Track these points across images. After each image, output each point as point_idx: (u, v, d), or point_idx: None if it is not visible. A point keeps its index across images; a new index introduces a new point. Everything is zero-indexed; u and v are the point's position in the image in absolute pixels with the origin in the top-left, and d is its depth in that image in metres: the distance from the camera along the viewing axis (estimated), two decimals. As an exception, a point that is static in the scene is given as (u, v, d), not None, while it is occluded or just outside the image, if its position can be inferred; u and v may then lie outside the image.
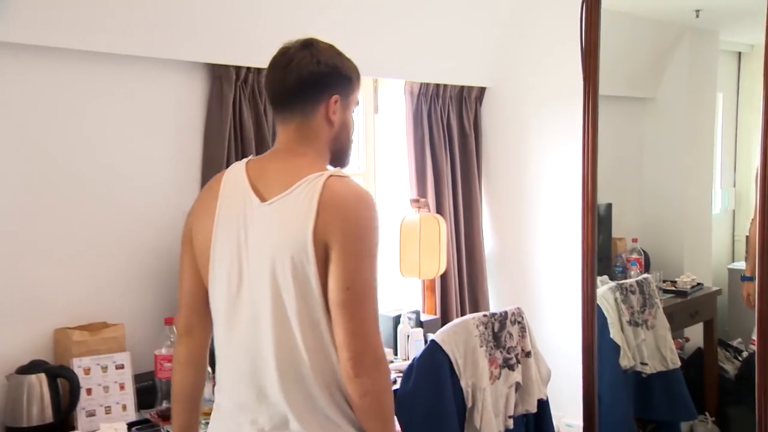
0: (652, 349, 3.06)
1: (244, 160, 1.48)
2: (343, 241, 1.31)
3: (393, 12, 2.85)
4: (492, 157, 3.51)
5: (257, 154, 2.34)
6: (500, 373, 2.24)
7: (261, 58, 2.34)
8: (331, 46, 1.50)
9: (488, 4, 3.23)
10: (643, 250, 3.24)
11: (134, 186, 2.22)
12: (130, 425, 1.89)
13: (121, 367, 1.99)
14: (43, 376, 1.83)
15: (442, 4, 3.05)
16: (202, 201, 1.52)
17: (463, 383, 2.09)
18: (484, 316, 2.23)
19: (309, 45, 1.44)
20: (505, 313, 2.36)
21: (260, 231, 1.33)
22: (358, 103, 1.57)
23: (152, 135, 2.25)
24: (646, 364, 3.03)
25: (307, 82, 1.41)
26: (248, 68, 2.34)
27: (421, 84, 3.02)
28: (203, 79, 2.32)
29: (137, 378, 2.03)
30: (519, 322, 2.38)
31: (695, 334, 3.32)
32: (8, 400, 1.84)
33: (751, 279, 3.02)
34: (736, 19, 3.20)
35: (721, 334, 3.30)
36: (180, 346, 1.54)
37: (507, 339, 2.35)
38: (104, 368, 1.96)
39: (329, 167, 1.47)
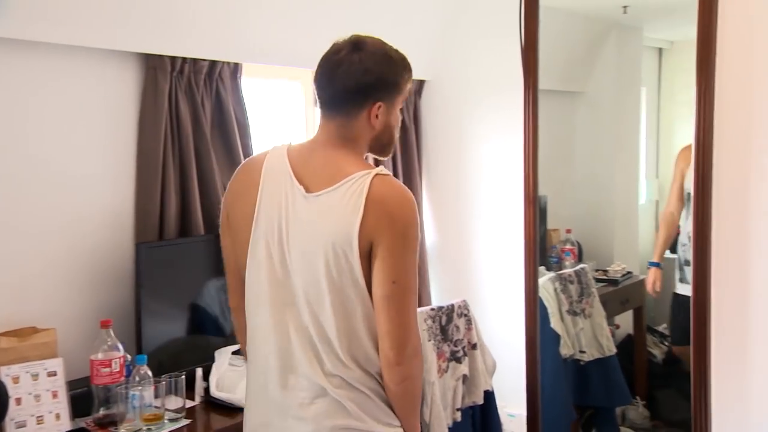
0: (590, 337, 3.13)
1: (283, 145, 1.55)
2: (389, 239, 1.42)
3: (331, 4, 2.83)
4: (432, 150, 3.52)
5: (195, 148, 2.32)
6: (448, 366, 2.25)
7: (197, 48, 2.30)
8: (381, 47, 1.54)
9: None
10: (577, 241, 3.32)
11: (65, 182, 2.13)
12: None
13: (54, 374, 1.91)
14: (-32, 385, 1.78)
15: None
16: (241, 183, 1.58)
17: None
18: (432, 309, 2.24)
19: (359, 47, 1.49)
20: (452, 306, 2.38)
21: (306, 220, 1.41)
22: (408, 95, 1.67)
23: (84, 129, 2.16)
24: (584, 352, 3.09)
25: (353, 90, 1.48)
26: (184, 58, 2.27)
27: None
28: (137, 69, 2.25)
29: (71, 385, 1.95)
30: (465, 315, 2.41)
31: (624, 321, 3.42)
32: (-70, 413, 1.76)
33: (658, 265, 3.19)
34: (658, 15, 3.30)
35: (648, 320, 3.41)
36: (238, 319, 1.63)
37: (454, 332, 2.36)
38: (35, 376, 1.88)
39: (371, 161, 1.64)
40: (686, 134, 3.08)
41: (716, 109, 2.47)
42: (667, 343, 3.37)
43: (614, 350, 3.18)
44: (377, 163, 1.77)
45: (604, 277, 3.32)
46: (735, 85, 2.50)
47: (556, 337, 2.99)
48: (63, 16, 2.01)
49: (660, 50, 3.42)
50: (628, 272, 3.39)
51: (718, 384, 2.54)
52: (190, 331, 2.32)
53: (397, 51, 1.56)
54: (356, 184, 1.42)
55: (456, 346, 2.38)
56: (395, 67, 1.54)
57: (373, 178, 1.44)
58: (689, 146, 2.97)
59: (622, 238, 3.56)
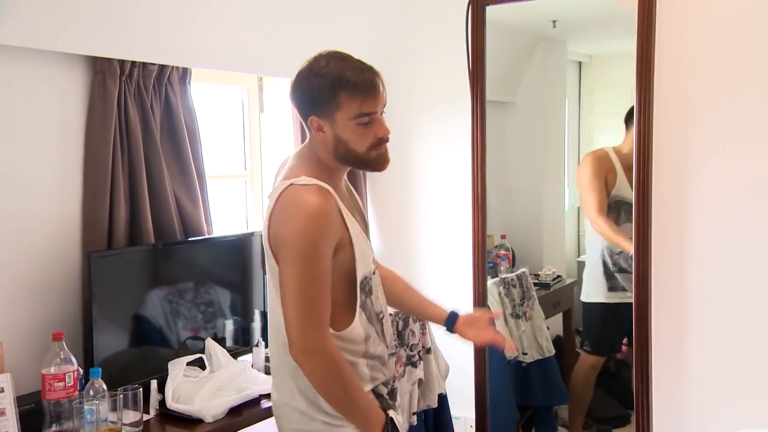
0: (531, 339, 3.23)
1: None
2: (282, 244, 1.58)
3: (278, 11, 2.82)
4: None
5: (145, 154, 2.30)
6: (404, 371, 2.30)
7: (146, 52, 2.28)
8: (311, 64, 1.62)
9: (374, 5, 3.24)
10: (510, 246, 3.41)
11: (9, 188, 2.05)
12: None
13: (1, 390, 1.85)
14: None
15: (328, 3, 3.03)
16: None
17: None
18: (389, 315, 2.23)
19: (306, 63, 1.64)
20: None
21: None
22: (363, 115, 1.59)
23: (28, 133, 2.09)
24: (526, 354, 3.18)
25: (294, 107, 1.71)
26: (133, 62, 2.23)
27: None
28: (84, 73, 2.19)
29: (20, 400, 1.90)
30: (420, 320, 2.43)
31: (553, 324, 3.52)
32: None
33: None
34: (582, 30, 3.43)
35: (574, 322, 3.54)
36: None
37: (410, 337, 2.41)
38: None
39: (309, 178, 1.62)
40: (605, 144, 3.29)
41: (655, 120, 2.60)
42: (587, 349, 3.46)
43: (553, 351, 3.30)
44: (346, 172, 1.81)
45: (537, 281, 3.43)
46: (671, 96, 2.62)
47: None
48: (4, 15, 1.92)
49: (579, 63, 3.52)
50: (558, 276, 3.51)
51: (657, 380, 2.67)
52: (139, 343, 2.29)
53: (330, 67, 1.59)
54: (275, 192, 1.59)
55: (412, 351, 2.42)
56: (318, 84, 1.58)
57: (287, 187, 1.57)
58: (603, 153, 3.18)
59: (551, 243, 3.67)
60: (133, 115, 2.24)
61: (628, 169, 2.94)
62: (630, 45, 2.71)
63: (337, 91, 1.57)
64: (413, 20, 3.30)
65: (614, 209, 3.15)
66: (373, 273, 1.80)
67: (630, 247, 2.85)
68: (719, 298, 2.65)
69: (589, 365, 3.38)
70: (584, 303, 3.38)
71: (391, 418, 1.74)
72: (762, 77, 2.53)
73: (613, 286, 3.16)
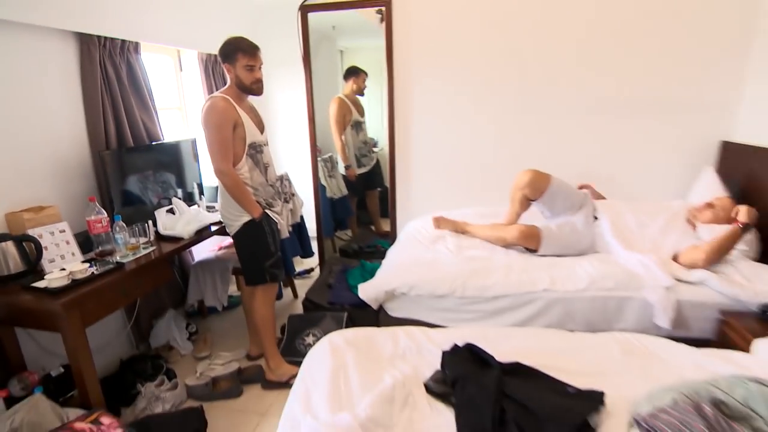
0: (335, 187, 3.41)
1: None
2: (204, 124, 1.86)
3: (194, 11, 2.70)
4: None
5: (121, 94, 2.25)
6: (284, 205, 2.36)
7: (114, 29, 2.20)
8: (226, 40, 1.88)
9: (243, 11, 3.12)
10: (320, 147, 3.39)
11: (43, 120, 1.96)
12: (83, 262, 1.85)
13: (63, 231, 1.91)
14: (10, 242, 1.73)
15: (223, 6, 2.90)
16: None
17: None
18: (277, 179, 2.28)
19: (226, 38, 1.90)
20: (282, 176, 2.53)
21: None
22: (249, 66, 1.87)
23: (47, 84, 1.96)
24: (335, 194, 3.40)
25: None
26: (105, 37, 2.13)
27: (208, 54, 2.87)
28: (76, 44, 2.06)
29: (77, 236, 1.95)
30: (288, 179, 2.60)
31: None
32: (-13, 263, 1.64)
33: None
34: (345, 32, 3.39)
35: None
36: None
37: (285, 187, 2.54)
38: (52, 233, 1.87)
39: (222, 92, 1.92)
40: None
41: (394, 81, 2.87)
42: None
43: (345, 192, 3.44)
44: (243, 90, 1.95)
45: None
46: (401, 67, 2.86)
47: (324, 189, 3.32)
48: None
49: (342, 51, 3.54)
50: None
51: (399, 197, 3.13)
52: (136, 203, 2.27)
53: (230, 40, 1.87)
54: (206, 101, 1.87)
55: (286, 195, 2.54)
56: (229, 48, 1.87)
57: (209, 98, 1.85)
58: (341, 98, 3.24)
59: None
60: (110, 71, 2.17)
61: (353, 104, 3.23)
62: (366, 42, 2.92)
63: (236, 51, 1.85)
64: (270, 19, 3.22)
65: (355, 127, 3.33)
66: (265, 144, 2.00)
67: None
68: (424, 153, 3.03)
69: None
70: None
71: (267, 213, 2.01)
72: (444, 62, 2.82)
73: (361, 164, 3.37)
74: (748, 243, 2.07)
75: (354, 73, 3.29)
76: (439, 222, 2.54)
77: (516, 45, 2.73)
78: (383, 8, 2.79)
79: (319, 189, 3.19)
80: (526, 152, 2.87)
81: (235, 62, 1.86)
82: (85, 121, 2.14)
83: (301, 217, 2.81)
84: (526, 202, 2.28)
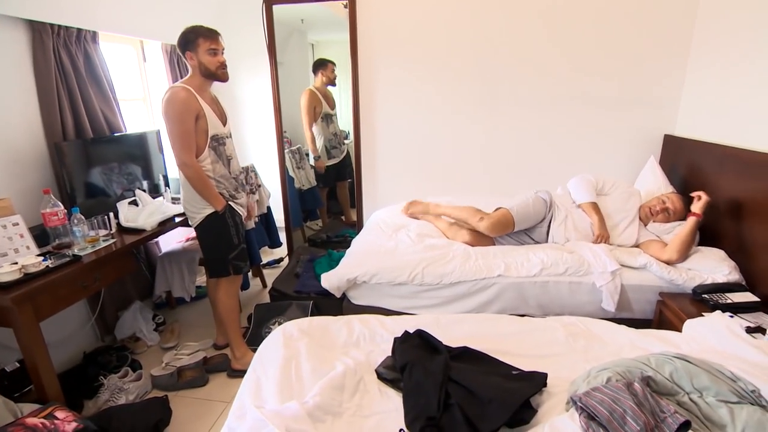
0: (304, 178, 3.36)
1: None
2: (164, 116, 1.76)
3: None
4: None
5: (78, 84, 2.16)
6: (250, 197, 2.38)
7: (66, 18, 2.09)
8: (185, 29, 1.80)
9: (208, 5, 3.01)
10: (289, 136, 3.32)
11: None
12: (38, 255, 1.75)
13: (17, 224, 1.79)
14: (-41, 237, 1.59)
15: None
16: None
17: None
18: (242, 171, 2.24)
19: (185, 28, 1.81)
20: (247, 167, 2.55)
21: None
22: (211, 50, 1.79)
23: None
24: (303, 185, 3.35)
25: None
26: (59, 25, 2.01)
27: (172, 45, 2.77)
28: (26, 32, 1.93)
29: (33, 229, 1.85)
30: (254, 171, 2.61)
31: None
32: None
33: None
34: (315, 26, 3.36)
35: None
36: None
37: (251, 179, 2.57)
38: (4, 227, 1.75)
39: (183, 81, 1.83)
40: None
41: (359, 72, 2.83)
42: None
43: (315, 183, 3.40)
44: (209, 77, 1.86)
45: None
46: (366, 61, 2.83)
47: (292, 180, 3.26)
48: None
49: (312, 45, 3.53)
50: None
51: (364, 188, 3.08)
52: (96, 195, 2.19)
53: (188, 28, 1.78)
54: (165, 92, 1.77)
55: (252, 186, 2.58)
56: (189, 35, 1.78)
57: (168, 88, 1.76)
58: (312, 90, 3.19)
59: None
60: (65, 60, 2.06)
61: (324, 97, 3.18)
62: (336, 36, 2.85)
63: (197, 37, 1.77)
64: (235, 10, 3.12)
65: (325, 119, 3.28)
66: (227, 137, 1.92)
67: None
68: (389, 145, 3.01)
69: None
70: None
71: (230, 205, 1.93)
72: (408, 54, 2.80)
73: (331, 155, 3.38)
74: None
75: (321, 65, 3.24)
76: (411, 205, 2.52)
77: (477, 38, 2.73)
78: (348, 1, 2.72)
79: (286, 180, 3.13)
80: (487, 142, 2.90)
81: (197, 48, 1.77)
82: (40, 112, 2.02)
83: (268, 208, 2.79)
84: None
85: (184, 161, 1.79)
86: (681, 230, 1.93)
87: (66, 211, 1.90)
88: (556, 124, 2.81)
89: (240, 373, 2.07)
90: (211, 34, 1.79)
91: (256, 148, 3.50)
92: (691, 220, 1.93)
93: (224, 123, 1.95)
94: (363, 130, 2.99)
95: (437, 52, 2.78)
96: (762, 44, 1.96)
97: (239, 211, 1.98)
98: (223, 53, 1.84)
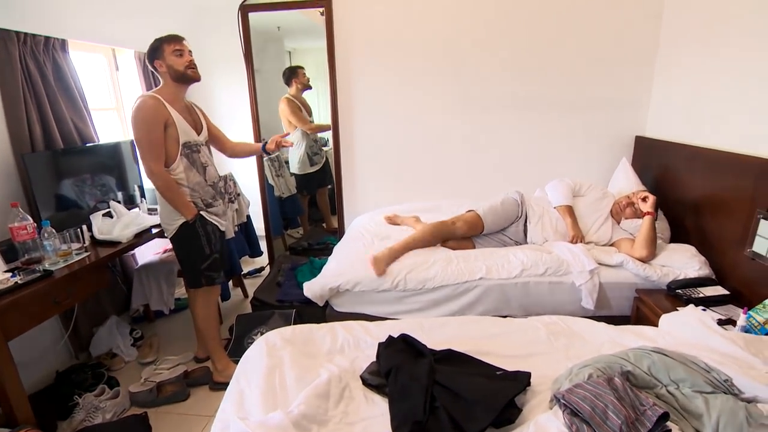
0: (284, 186, 3.33)
1: None
2: (133, 125, 1.75)
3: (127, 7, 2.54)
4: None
5: (47, 93, 2.10)
6: (228, 206, 2.27)
7: (36, 25, 2.04)
8: (153, 41, 1.80)
9: (184, 11, 2.97)
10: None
11: None
12: (6, 272, 1.70)
13: None
14: None
15: (155, 7, 2.73)
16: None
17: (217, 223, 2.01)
18: (220, 179, 2.15)
19: (153, 41, 1.82)
20: (226, 176, 2.38)
21: None
22: (176, 51, 1.78)
23: None
24: (283, 193, 3.32)
25: None
26: (26, 33, 1.95)
27: (145, 53, 2.74)
28: None
29: (0, 245, 1.79)
30: (232, 180, 2.50)
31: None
32: None
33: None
34: (292, 33, 3.34)
35: None
36: None
37: (229, 188, 2.42)
38: None
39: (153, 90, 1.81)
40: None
41: (337, 79, 2.85)
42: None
43: (295, 191, 3.38)
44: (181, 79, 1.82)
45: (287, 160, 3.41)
46: (343, 66, 2.84)
47: (272, 188, 3.24)
48: None
49: (290, 53, 3.50)
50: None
51: (345, 193, 3.07)
52: (68, 207, 2.12)
53: (159, 38, 1.79)
54: (134, 101, 1.75)
55: (231, 195, 2.45)
56: (155, 44, 1.79)
57: (138, 98, 1.75)
58: (288, 97, 3.18)
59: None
60: (32, 69, 2.00)
61: (302, 105, 3.17)
62: (313, 43, 2.85)
63: (161, 44, 1.78)
64: (210, 17, 3.05)
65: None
66: (203, 144, 1.91)
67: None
68: (368, 148, 2.98)
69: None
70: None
71: (201, 215, 1.87)
72: (384, 61, 2.81)
73: (313, 162, 3.36)
74: (660, 229, 2.21)
75: (292, 73, 3.22)
76: (392, 220, 2.56)
77: (452, 43, 2.77)
78: (324, 8, 2.74)
79: (266, 188, 3.10)
80: (464, 147, 2.95)
81: (163, 54, 1.77)
82: (6, 123, 1.96)
83: (248, 217, 2.72)
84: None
85: (152, 170, 1.77)
86: (641, 230, 2.01)
87: (36, 224, 1.83)
88: (531, 128, 2.87)
89: (223, 386, 2.02)
90: (175, 38, 1.80)
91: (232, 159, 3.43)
92: (645, 219, 2.02)
93: (199, 131, 1.93)
94: (342, 136, 2.99)
95: (413, 58, 2.81)
96: (726, 47, 2.04)
97: (212, 221, 1.94)
98: (190, 54, 1.82)
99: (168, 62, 1.78)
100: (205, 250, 1.91)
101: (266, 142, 2.14)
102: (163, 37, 1.80)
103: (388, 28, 2.77)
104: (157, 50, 1.79)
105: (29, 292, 1.56)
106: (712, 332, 1.32)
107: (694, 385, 1.06)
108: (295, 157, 3.34)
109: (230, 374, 1.97)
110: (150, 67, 1.84)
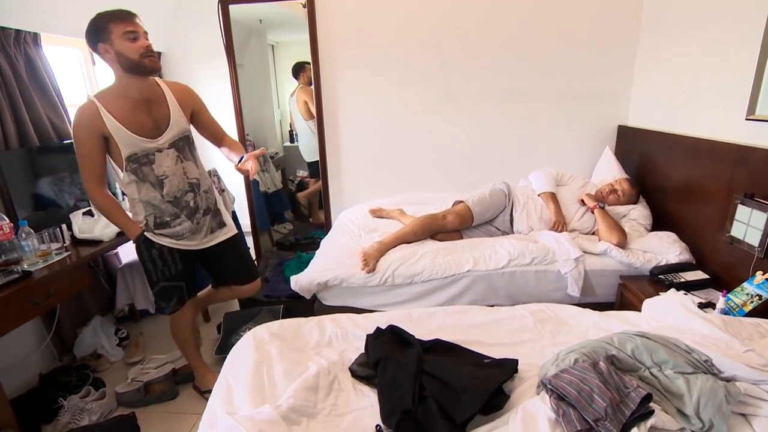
0: (270, 180, 3.37)
1: None
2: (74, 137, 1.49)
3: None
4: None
5: (19, 89, 2.04)
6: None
7: (5, 18, 1.98)
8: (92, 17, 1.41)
9: (164, 3, 2.88)
10: (252, 138, 3.30)
11: None
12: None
13: None
14: None
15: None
16: None
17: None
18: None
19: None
20: (210, 171, 2.37)
21: None
22: (128, 33, 1.40)
23: None
24: (269, 188, 3.37)
25: None
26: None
27: None
28: None
29: None
30: (216, 175, 2.50)
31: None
32: None
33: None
34: (274, 26, 3.35)
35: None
36: None
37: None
38: None
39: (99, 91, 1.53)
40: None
41: (321, 71, 2.83)
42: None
43: (280, 186, 3.48)
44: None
45: (272, 155, 3.50)
46: (326, 58, 2.82)
47: (257, 183, 3.23)
48: None
49: (273, 46, 3.52)
50: (276, 152, 3.62)
51: (331, 190, 3.07)
52: (46, 206, 2.08)
53: (102, 13, 1.40)
54: None
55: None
56: (97, 22, 1.40)
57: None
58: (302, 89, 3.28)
59: (272, 137, 3.68)
60: (3, 63, 1.93)
61: (309, 98, 3.14)
62: (296, 36, 2.86)
63: (107, 23, 1.38)
64: (190, 11, 2.98)
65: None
66: (157, 151, 1.56)
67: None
68: (352, 144, 2.99)
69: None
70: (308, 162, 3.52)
71: (145, 236, 1.61)
72: (368, 54, 2.79)
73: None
74: (643, 217, 2.25)
75: (301, 68, 3.28)
76: (377, 212, 2.55)
77: (434, 35, 2.76)
78: (306, 1, 2.70)
79: (251, 184, 3.06)
80: (448, 138, 2.95)
81: (110, 36, 1.37)
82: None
83: (234, 213, 2.65)
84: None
85: (86, 189, 1.54)
86: (597, 224, 2.13)
87: (12, 225, 1.79)
88: (515, 118, 2.89)
89: (204, 392, 1.97)
90: (126, 15, 1.40)
91: (218, 152, 3.39)
92: (595, 213, 2.16)
93: (162, 130, 1.56)
94: (327, 130, 2.97)
95: (397, 50, 2.80)
96: (704, 36, 2.07)
97: (164, 243, 1.64)
98: (147, 38, 1.44)
99: (117, 48, 1.38)
100: (151, 276, 1.67)
101: (242, 158, 1.72)
102: (110, 12, 1.39)
103: (370, 21, 2.76)
104: (101, 31, 1.38)
105: (7, 294, 1.52)
106: (693, 315, 1.35)
107: (676, 366, 1.09)
108: (310, 145, 3.31)
109: (207, 382, 1.93)
110: (91, 52, 1.43)
